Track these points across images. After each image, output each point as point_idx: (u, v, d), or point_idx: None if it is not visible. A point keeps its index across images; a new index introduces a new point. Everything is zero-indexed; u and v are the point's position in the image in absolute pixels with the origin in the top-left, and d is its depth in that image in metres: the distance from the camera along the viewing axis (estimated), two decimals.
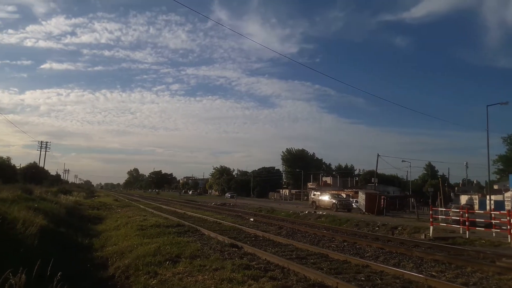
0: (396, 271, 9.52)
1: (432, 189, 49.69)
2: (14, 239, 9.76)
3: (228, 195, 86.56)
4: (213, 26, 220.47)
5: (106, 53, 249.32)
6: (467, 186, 72.21)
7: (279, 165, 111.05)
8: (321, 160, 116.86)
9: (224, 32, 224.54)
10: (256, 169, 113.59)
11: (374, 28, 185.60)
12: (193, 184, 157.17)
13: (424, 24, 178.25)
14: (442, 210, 24.13)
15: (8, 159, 67.83)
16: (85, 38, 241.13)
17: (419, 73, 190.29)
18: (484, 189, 55.68)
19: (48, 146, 78.77)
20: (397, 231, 21.03)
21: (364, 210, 35.23)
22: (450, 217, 21.39)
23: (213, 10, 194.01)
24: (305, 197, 71.94)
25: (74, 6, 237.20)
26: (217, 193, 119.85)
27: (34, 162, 77.78)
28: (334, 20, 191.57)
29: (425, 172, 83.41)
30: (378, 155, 54.48)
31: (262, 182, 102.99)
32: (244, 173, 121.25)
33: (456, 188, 71.23)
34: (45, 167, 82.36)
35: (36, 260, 6.85)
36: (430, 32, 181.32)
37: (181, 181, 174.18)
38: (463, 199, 45.04)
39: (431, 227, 18.76)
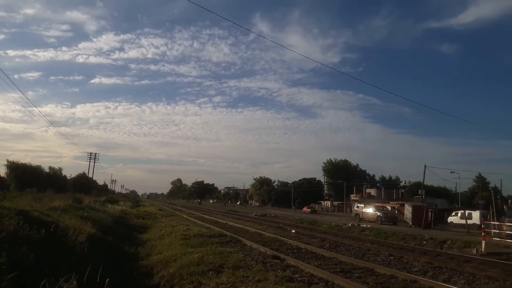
0: (447, 287, 9.05)
1: (483, 201, 47.27)
2: (66, 246, 10.18)
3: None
4: (255, 38, 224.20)
5: (152, 67, 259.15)
6: None
7: (320, 176, 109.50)
8: (364, 171, 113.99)
9: (266, 44, 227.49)
10: (297, 180, 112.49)
11: (419, 35, 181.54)
12: (234, 194, 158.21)
13: (473, 30, 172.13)
14: (495, 224, 22.78)
15: (60, 169, 71.48)
16: (133, 53, 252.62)
17: (468, 80, 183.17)
18: None
19: (97, 158, 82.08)
20: (446, 245, 20.07)
21: (410, 223, 33.94)
22: (504, 231, 20.15)
23: (254, 23, 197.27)
24: (348, 209, 70.36)
25: (123, 23, 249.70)
26: (257, 203, 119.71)
27: (84, 172, 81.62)
28: (377, 28, 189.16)
29: (475, 184, 79.40)
30: (425, 166, 52.62)
31: (303, 193, 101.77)
32: (284, 184, 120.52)
33: (509, 201, 67.12)
34: (93, 178, 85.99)
35: (86, 267, 7.10)
36: (479, 39, 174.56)
37: (222, 191, 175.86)
38: None
39: (484, 242, 17.75)
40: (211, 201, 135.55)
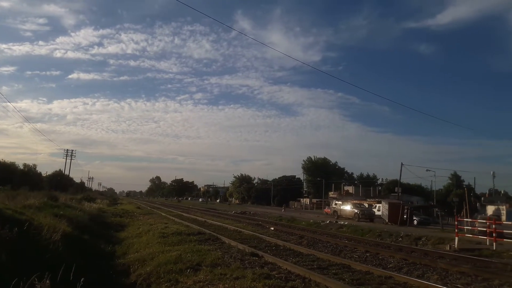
0: (420, 282, 9.28)
1: (457, 199, 48.51)
2: (40, 244, 9.98)
3: None
4: (237, 35, 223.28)
5: (132, 63, 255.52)
6: (494, 196, 69.46)
7: (299, 174, 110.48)
8: (343, 169, 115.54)
9: (248, 42, 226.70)
10: (277, 178, 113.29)
11: (399, 35, 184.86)
12: (213, 192, 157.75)
13: (450, 31, 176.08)
14: (468, 221, 23.45)
15: (34, 166, 69.83)
16: (112, 48, 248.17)
17: (445, 80, 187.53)
18: None
19: (74, 154, 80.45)
20: (421, 242, 20.52)
21: (387, 220, 34.60)
22: (476, 228, 20.78)
23: (236, 20, 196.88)
24: (326, 207, 71.19)
25: (102, 18, 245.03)
26: (237, 201, 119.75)
27: (60, 169, 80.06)
28: (358, 27, 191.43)
29: (450, 181, 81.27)
30: (401, 164, 53.60)
31: (282, 191, 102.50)
32: (264, 182, 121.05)
33: (482, 199, 68.90)
34: (70, 175, 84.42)
35: (60, 266, 7.00)
36: (456, 39, 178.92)
37: (202, 189, 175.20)
38: (490, 209, 43.32)
39: (457, 238, 18.24)
40: (200, 200, 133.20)
